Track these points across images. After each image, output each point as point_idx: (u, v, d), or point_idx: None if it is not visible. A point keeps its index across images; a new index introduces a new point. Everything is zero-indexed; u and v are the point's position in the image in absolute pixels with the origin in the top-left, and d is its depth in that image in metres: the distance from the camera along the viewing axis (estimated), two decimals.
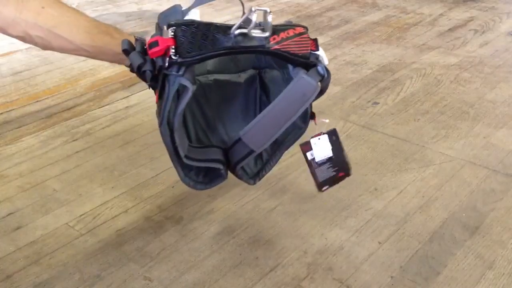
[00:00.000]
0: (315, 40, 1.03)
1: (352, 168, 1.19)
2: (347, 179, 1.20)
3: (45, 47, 1.05)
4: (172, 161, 1.09)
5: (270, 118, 1.02)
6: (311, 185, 1.37)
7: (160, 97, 0.99)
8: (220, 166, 1.11)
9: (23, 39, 1.03)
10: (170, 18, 1.01)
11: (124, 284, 1.08)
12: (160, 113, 0.99)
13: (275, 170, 1.45)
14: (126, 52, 1.02)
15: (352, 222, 1.25)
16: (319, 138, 1.14)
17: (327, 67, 1.01)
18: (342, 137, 1.19)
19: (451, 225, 1.24)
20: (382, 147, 1.55)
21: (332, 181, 1.18)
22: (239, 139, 1.06)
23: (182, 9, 1.08)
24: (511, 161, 1.48)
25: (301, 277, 1.09)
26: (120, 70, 2.11)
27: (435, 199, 1.33)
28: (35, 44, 1.04)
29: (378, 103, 1.82)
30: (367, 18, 2.76)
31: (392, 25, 2.64)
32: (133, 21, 2.71)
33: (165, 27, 0.98)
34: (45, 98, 1.89)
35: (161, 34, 0.98)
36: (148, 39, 1.01)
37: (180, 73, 0.94)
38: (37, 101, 1.87)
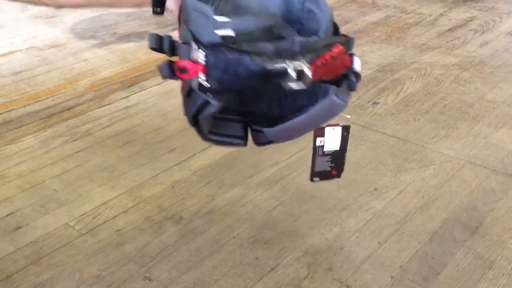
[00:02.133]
0: (351, 55, 0.96)
1: (344, 171, 1.19)
2: (345, 179, 1.20)
3: (56, 5, 0.98)
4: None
5: (294, 127, 1.01)
6: (311, 185, 1.37)
7: (187, 95, 0.98)
8: (241, 143, 1.09)
9: (32, 1, 0.97)
10: (200, 27, 0.93)
11: (124, 284, 1.08)
12: (185, 110, 0.99)
13: (275, 170, 1.45)
14: (155, 50, 0.98)
15: (352, 222, 1.25)
16: (333, 129, 1.14)
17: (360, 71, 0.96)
18: None
19: (451, 225, 1.24)
20: (382, 147, 1.55)
21: (324, 175, 1.18)
22: (261, 131, 1.05)
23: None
24: (511, 161, 1.48)
25: (301, 277, 1.09)
26: (120, 70, 2.11)
27: (435, 199, 1.33)
28: (45, 4, 0.97)
29: (378, 103, 1.82)
30: (367, 18, 2.76)
31: (392, 25, 2.64)
32: (133, 21, 2.71)
33: (194, 45, 0.90)
34: (45, 98, 1.89)
35: (189, 52, 0.91)
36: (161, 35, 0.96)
37: (212, 97, 0.93)
38: (37, 101, 1.87)
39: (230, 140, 1.08)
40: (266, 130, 1.03)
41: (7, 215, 1.29)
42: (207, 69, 0.89)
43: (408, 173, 1.44)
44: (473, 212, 1.28)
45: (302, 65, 0.88)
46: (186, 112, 0.96)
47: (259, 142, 1.11)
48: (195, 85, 0.90)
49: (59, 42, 2.43)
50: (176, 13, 1.04)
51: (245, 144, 1.12)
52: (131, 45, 2.38)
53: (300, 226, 1.24)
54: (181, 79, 0.92)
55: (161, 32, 2.65)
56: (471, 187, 1.37)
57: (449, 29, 2.57)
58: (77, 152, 1.56)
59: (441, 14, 2.80)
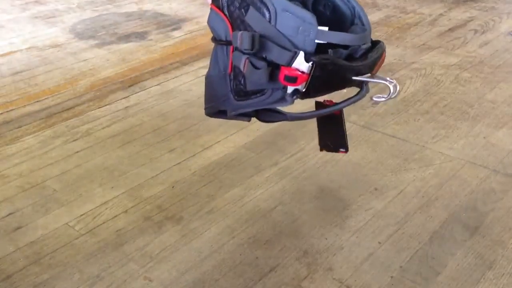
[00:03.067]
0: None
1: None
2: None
3: None
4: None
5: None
6: (311, 185, 1.37)
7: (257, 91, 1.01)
8: (248, 120, 1.11)
9: None
10: (299, 34, 0.96)
11: (124, 284, 1.08)
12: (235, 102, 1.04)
13: (275, 170, 1.45)
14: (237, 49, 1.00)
15: (352, 222, 1.25)
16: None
17: None
18: None
19: (451, 225, 1.24)
20: (382, 147, 1.55)
21: (331, 149, 1.19)
22: (280, 112, 1.06)
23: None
24: (511, 161, 1.48)
25: (301, 277, 1.09)
26: (120, 70, 2.11)
27: (435, 199, 1.33)
28: None
29: (378, 103, 1.82)
30: None
31: (392, 25, 2.64)
32: (133, 21, 2.71)
33: (302, 54, 0.95)
34: (45, 98, 1.89)
35: (291, 60, 0.96)
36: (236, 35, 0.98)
37: (294, 97, 0.96)
38: (37, 101, 1.87)
39: (237, 119, 1.11)
40: (288, 115, 1.06)
41: (7, 215, 1.29)
42: (311, 79, 0.94)
43: (408, 173, 1.44)
44: (473, 212, 1.28)
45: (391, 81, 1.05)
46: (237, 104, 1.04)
47: (267, 120, 1.13)
48: (289, 90, 0.96)
49: (59, 42, 2.43)
50: None
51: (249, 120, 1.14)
52: (131, 45, 2.38)
53: (300, 226, 1.24)
54: (283, 83, 0.97)
55: (161, 31, 2.66)
56: (471, 187, 1.37)
57: (449, 29, 2.57)
58: (77, 152, 1.56)
59: (441, 14, 2.80)
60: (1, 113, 1.79)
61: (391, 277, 1.09)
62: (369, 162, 1.48)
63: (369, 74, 1.06)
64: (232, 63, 1.05)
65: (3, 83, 2.02)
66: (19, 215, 1.29)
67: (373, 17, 2.77)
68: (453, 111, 1.76)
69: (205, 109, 1.15)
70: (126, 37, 2.48)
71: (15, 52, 2.32)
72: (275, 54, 0.97)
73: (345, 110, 1.23)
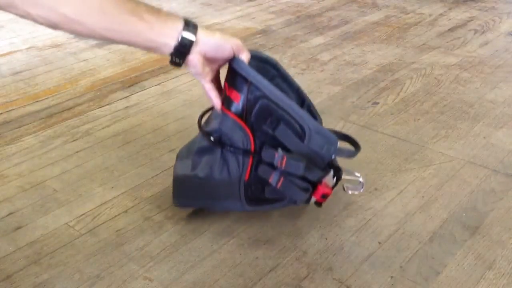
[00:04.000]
0: None
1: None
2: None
3: (53, 27, 0.87)
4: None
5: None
6: None
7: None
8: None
9: (25, 17, 0.85)
10: (324, 151, 1.10)
11: (124, 284, 1.08)
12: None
13: None
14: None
15: (352, 222, 1.25)
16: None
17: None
18: None
19: (451, 225, 1.24)
20: (382, 147, 1.55)
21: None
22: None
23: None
24: (511, 161, 1.48)
25: (301, 277, 1.09)
26: (120, 70, 2.12)
27: (435, 199, 1.33)
28: (41, 23, 0.86)
29: (378, 103, 1.82)
30: (367, 18, 2.76)
31: (392, 25, 2.64)
32: None
33: (332, 173, 1.15)
34: (45, 98, 1.89)
35: (325, 176, 1.13)
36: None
37: None
38: (37, 101, 1.88)
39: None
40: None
41: (7, 215, 1.29)
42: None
43: (408, 173, 1.44)
44: (473, 212, 1.28)
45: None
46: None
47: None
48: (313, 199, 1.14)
49: (59, 42, 2.43)
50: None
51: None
52: None
53: (300, 226, 1.24)
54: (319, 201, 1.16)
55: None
56: (471, 187, 1.37)
57: (449, 29, 2.57)
58: (77, 152, 1.56)
59: (441, 14, 2.80)
60: (1, 113, 1.79)
61: (391, 277, 1.09)
62: (369, 162, 1.48)
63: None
64: (250, 172, 1.11)
65: (3, 83, 2.02)
66: (19, 215, 1.29)
67: (373, 17, 2.77)
68: (453, 111, 1.76)
69: (177, 202, 1.24)
70: None
71: (15, 52, 2.32)
72: (312, 173, 1.09)
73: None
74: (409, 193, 1.35)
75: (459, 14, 2.79)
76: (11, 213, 1.30)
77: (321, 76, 2.06)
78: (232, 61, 1.06)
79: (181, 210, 1.28)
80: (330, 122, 1.65)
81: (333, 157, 1.12)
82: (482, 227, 1.23)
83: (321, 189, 1.11)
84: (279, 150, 1.06)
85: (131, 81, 2.01)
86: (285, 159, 1.05)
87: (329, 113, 1.72)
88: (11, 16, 0.88)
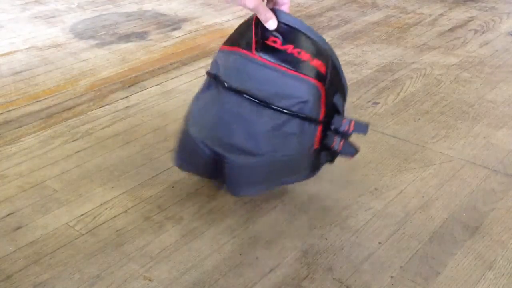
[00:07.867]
0: None
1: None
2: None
3: None
4: None
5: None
6: (311, 185, 1.37)
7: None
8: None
9: None
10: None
11: (124, 284, 1.08)
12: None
13: None
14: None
15: (352, 222, 1.25)
16: None
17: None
18: None
19: (451, 225, 1.24)
20: (382, 147, 1.55)
21: None
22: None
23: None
24: (511, 161, 1.48)
25: (301, 277, 1.09)
26: (120, 70, 2.12)
27: (435, 199, 1.33)
28: None
29: (378, 103, 1.82)
30: (367, 18, 2.76)
31: (392, 25, 2.64)
32: (133, 21, 2.72)
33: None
34: (45, 98, 1.90)
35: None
36: None
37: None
38: (37, 101, 1.88)
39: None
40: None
41: (7, 215, 1.29)
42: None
43: (408, 173, 1.44)
44: (473, 212, 1.28)
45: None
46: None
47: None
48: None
49: (59, 42, 2.43)
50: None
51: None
52: (131, 45, 2.38)
53: (300, 226, 1.24)
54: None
55: (161, 31, 2.65)
56: (471, 187, 1.37)
57: (449, 29, 2.57)
58: (77, 152, 1.56)
59: (441, 14, 2.80)
60: (1, 113, 1.79)
61: (391, 277, 1.09)
62: (369, 162, 1.48)
63: None
64: (320, 140, 1.14)
65: (3, 83, 2.03)
66: (19, 215, 1.29)
67: (373, 17, 2.77)
68: (453, 111, 1.76)
69: (246, 190, 1.22)
70: (126, 37, 2.48)
71: (15, 52, 2.32)
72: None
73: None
74: (409, 193, 1.35)
75: (459, 14, 2.79)
76: (11, 213, 1.30)
77: None
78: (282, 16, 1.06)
79: (181, 210, 1.28)
80: None
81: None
82: (482, 227, 1.23)
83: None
84: (345, 116, 1.14)
85: (131, 81, 2.01)
86: (353, 123, 1.13)
87: None
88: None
